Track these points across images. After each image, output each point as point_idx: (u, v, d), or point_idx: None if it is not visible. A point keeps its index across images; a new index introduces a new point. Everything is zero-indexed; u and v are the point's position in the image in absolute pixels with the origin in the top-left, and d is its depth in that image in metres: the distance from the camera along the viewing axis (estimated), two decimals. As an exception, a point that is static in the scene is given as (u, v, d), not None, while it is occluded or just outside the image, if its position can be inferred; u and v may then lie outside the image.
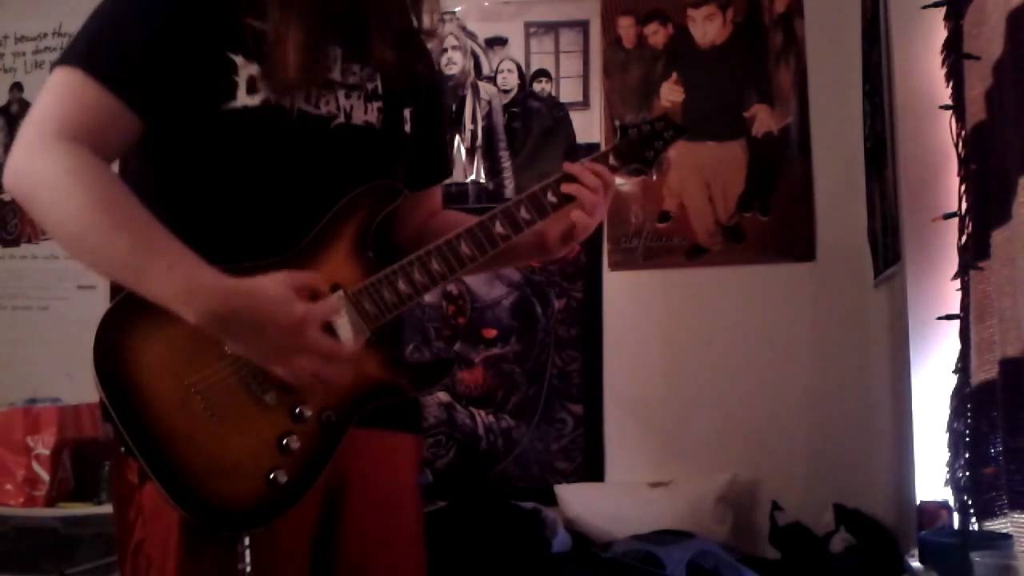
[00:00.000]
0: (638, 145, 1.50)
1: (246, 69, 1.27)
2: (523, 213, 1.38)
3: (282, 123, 1.28)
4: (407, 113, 1.45)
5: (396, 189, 1.37)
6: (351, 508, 1.33)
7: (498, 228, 1.37)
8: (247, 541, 1.19)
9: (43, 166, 1.18)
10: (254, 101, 1.27)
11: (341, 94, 1.34)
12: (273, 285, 1.16)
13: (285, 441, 1.21)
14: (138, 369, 1.17)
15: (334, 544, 1.33)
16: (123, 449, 1.17)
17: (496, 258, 1.38)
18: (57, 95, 1.22)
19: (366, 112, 1.37)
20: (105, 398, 1.15)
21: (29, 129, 1.21)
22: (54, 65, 1.24)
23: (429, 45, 1.51)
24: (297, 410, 1.22)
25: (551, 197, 1.40)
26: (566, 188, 1.40)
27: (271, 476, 1.19)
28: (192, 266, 1.15)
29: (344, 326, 1.26)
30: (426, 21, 1.44)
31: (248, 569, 1.18)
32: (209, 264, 1.16)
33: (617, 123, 1.52)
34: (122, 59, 1.23)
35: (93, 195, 1.16)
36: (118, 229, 1.16)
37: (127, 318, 1.18)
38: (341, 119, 1.34)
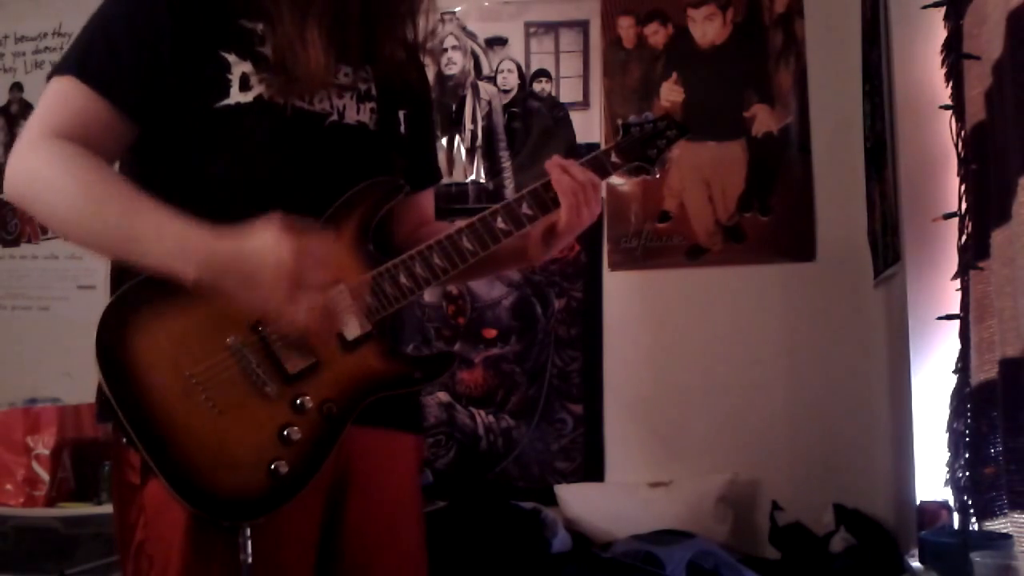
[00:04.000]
0: (640, 143, 1.50)
1: (239, 67, 1.28)
2: (524, 208, 1.39)
3: (277, 119, 1.29)
4: (401, 115, 1.46)
5: (397, 184, 1.38)
6: (354, 507, 1.34)
7: (499, 223, 1.37)
8: (248, 532, 1.19)
9: (32, 160, 1.22)
10: (247, 98, 1.28)
11: (334, 94, 1.35)
12: (262, 230, 1.16)
13: (286, 432, 1.21)
14: (140, 361, 1.18)
15: (337, 543, 1.33)
16: (124, 440, 1.18)
17: (481, 264, 1.38)
18: (50, 103, 1.25)
19: (358, 112, 1.38)
20: (107, 389, 1.16)
21: (23, 135, 1.24)
22: (49, 76, 1.27)
23: (427, 55, 1.52)
24: (298, 401, 1.22)
25: (552, 192, 1.40)
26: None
27: (272, 467, 1.19)
28: (180, 226, 1.17)
29: (346, 319, 1.26)
30: (422, 30, 1.45)
31: (249, 560, 1.19)
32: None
33: (619, 122, 1.52)
34: (114, 64, 1.25)
35: (79, 178, 1.20)
36: (105, 206, 1.19)
37: (128, 311, 1.19)
38: (334, 117, 1.35)
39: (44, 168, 1.21)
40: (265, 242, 1.15)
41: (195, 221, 1.17)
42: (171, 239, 1.16)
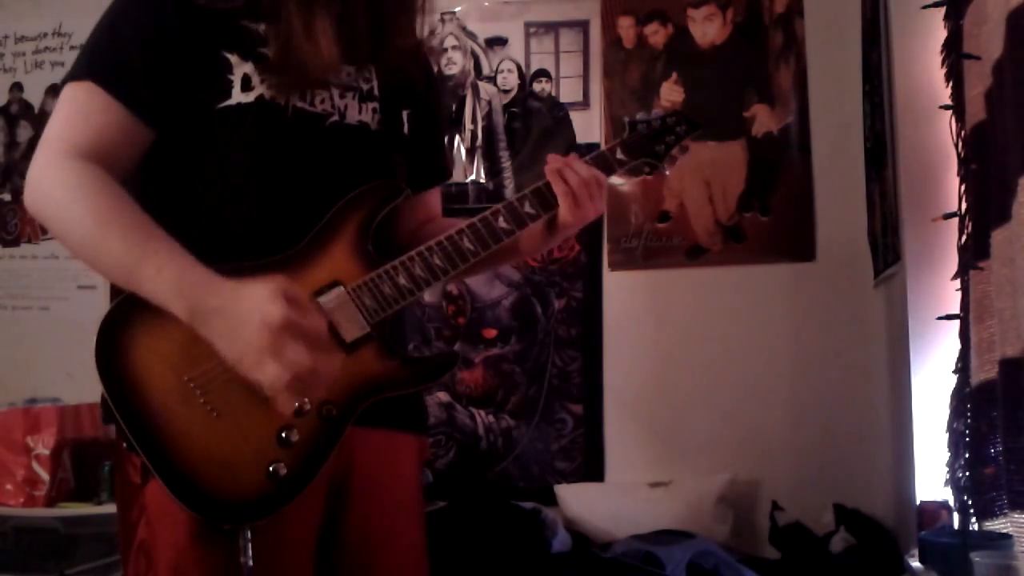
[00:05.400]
0: (647, 140, 1.49)
1: (241, 68, 1.29)
2: (527, 208, 1.39)
3: (278, 119, 1.30)
4: (405, 115, 1.45)
5: (397, 188, 1.38)
6: (355, 506, 1.34)
7: (501, 223, 1.37)
8: (248, 534, 1.19)
9: (51, 184, 1.23)
10: (249, 98, 1.28)
11: (336, 94, 1.35)
12: (260, 286, 1.15)
13: (284, 434, 1.21)
14: (139, 365, 1.19)
15: (338, 542, 1.33)
16: (125, 445, 1.19)
17: (491, 257, 1.38)
18: (67, 113, 1.26)
19: (360, 112, 1.38)
20: (107, 394, 1.17)
21: (43, 149, 1.25)
22: (63, 82, 1.28)
23: (431, 48, 1.52)
24: (296, 404, 1.22)
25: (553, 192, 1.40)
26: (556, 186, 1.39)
27: (271, 469, 1.20)
28: (180, 266, 1.17)
29: (344, 321, 1.26)
30: (425, 27, 1.45)
31: (250, 563, 1.19)
32: (205, 265, 1.18)
33: (627, 119, 1.51)
34: (126, 69, 1.26)
35: (92, 207, 1.21)
36: (112, 238, 1.19)
37: (128, 316, 1.20)
38: (336, 118, 1.35)
39: (60, 191, 1.22)
40: (255, 301, 1.13)
41: (198, 261, 1.17)
42: (168, 280, 1.16)
